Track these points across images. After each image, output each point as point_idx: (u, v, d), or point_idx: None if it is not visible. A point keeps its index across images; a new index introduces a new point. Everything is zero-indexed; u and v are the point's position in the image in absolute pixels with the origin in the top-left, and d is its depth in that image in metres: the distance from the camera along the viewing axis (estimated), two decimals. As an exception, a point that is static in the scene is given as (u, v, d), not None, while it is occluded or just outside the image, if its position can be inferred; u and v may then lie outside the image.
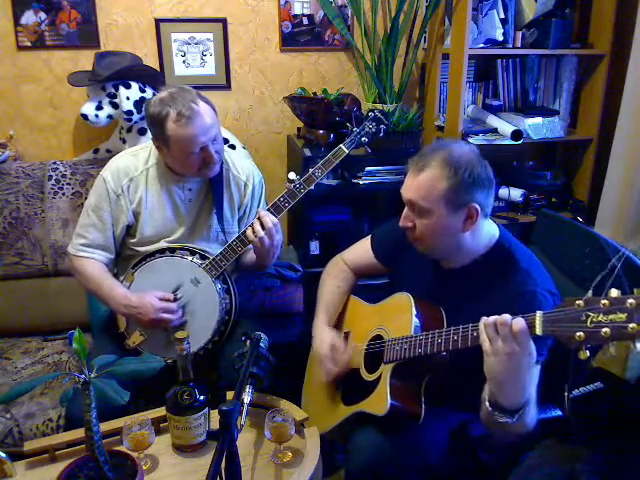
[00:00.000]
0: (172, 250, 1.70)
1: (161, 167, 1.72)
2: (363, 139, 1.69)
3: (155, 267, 1.69)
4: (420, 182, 1.30)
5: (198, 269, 1.67)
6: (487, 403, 1.18)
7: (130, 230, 1.75)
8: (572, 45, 2.46)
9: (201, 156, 1.61)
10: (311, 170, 1.64)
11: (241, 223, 1.84)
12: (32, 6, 2.23)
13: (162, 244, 1.73)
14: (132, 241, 1.75)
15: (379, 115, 1.70)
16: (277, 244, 1.64)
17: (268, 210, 1.64)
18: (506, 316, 1.09)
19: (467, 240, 1.35)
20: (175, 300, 1.67)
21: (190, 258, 1.69)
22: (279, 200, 1.65)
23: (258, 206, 1.85)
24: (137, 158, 1.74)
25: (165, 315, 1.62)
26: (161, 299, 1.64)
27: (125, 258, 1.78)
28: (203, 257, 1.70)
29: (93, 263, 1.71)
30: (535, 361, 1.23)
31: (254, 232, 1.59)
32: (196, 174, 1.67)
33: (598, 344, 0.94)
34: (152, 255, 1.70)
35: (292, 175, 1.65)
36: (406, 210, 1.37)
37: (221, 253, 1.67)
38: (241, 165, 1.83)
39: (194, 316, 1.69)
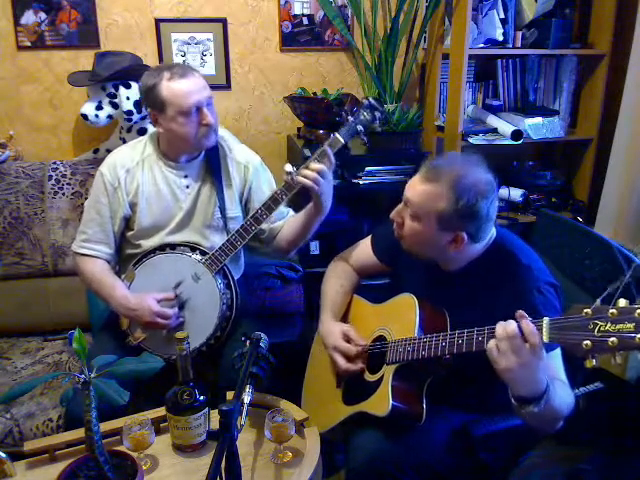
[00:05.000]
0: (172, 247, 1.70)
1: (158, 155, 1.73)
2: (358, 127, 1.65)
3: (155, 264, 1.69)
4: (424, 191, 1.30)
5: (198, 265, 1.68)
6: (512, 399, 1.17)
7: (128, 223, 1.76)
8: (572, 45, 2.46)
9: (197, 118, 1.61)
10: (307, 161, 1.63)
11: (248, 204, 1.82)
12: (32, 6, 2.23)
13: (162, 237, 1.73)
14: (130, 234, 1.75)
15: (374, 102, 1.67)
16: (330, 188, 1.63)
17: (267, 203, 1.65)
18: (514, 328, 1.09)
19: (450, 254, 1.35)
20: (176, 297, 1.67)
21: (190, 254, 1.69)
22: (276, 193, 1.65)
23: (265, 184, 1.83)
24: (133, 150, 1.76)
25: (160, 320, 1.63)
26: (161, 300, 1.64)
27: (127, 257, 1.78)
28: (203, 253, 1.70)
29: (95, 262, 1.72)
30: (552, 346, 1.24)
31: (308, 177, 1.57)
32: (195, 142, 1.66)
33: (604, 353, 0.93)
34: (153, 252, 1.70)
35: (288, 167, 1.63)
36: (401, 205, 1.37)
37: (220, 248, 1.68)
38: (238, 149, 1.83)
39: (195, 312, 1.69)
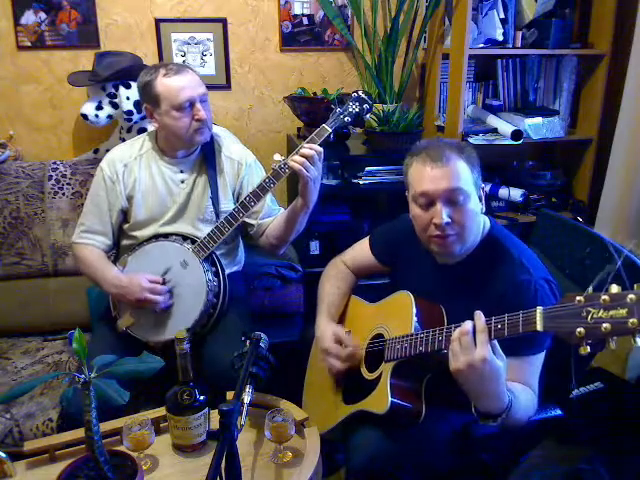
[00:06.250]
0: (165, 236, 1.76)
1: (155, 150, 1.80)
2: (346, 119, 1.71)
3: (146, 252, 1.75)
4: (454, 169, 1.28)
5: (187, 252, 1.72)
6: (473, 410, 1.20)
7: (125, 215, 1.82)
8: (572, 45, 2.46)
9: (191, 113, 1.67)
10: (296, 150, 1.66)
11: (239, 199, 1.84)
12: (32, 6, 2.23)
13: (156, 229, 1.78)
14: (126, 226, 1.81)
15: (362, 95, 1.72)
16: (319, 175, 1.66)
17: (255, 191, 1.69)
18: (467, 328, 1.12)
19: (479, 223, 1.37)
20: (164, 283, 1.70)
21: (180, 243, 1.73)
22: (264, 181, 1.69)
23: (257, 181, 1.83)
24: (132, 146, 1.83)
25: (150, 295, 1.66)
26: (150, 281, 1.67)
27: (124, 248, 1.84)
28: (194, 242, 1.74)
29: (91, 249, 1.78)
30: (540, 350, 1.28)
31: (297, 161, 1.61)
32: (187, 138, 1.71)
33: (598, 340, 0.94)
34: (146, 242, 1.76)
35: (277, 156, 1.68)
36: (442, 206, 1.28)
37: (208, 234, 1.72)
38: (234, 147, 1.88)
39: (182, 297, 1.72)
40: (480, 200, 1.34)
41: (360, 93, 1.73)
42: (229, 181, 1.83)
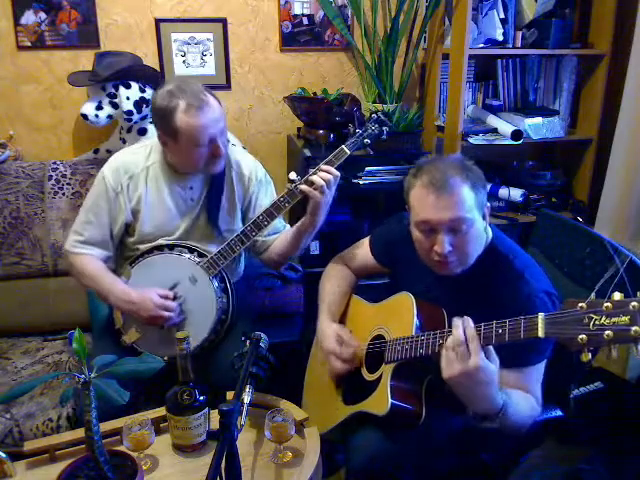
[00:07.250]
0: (170, 247, 1.69)
1: (163, 165, 1.71)
2: (365, 141, 1.67)
3: (152, 264, 1.68)
4: (458, 197, 1.25)
5: (196, 267, 1.67)
6: (470, 413, 1.20)
7: (129, 229, 1.74)
8: (572, 45, 2.46)
9: (210, 150, 1.60)
10: (312, 171, 1.63)
11: (246, 214, 1.82)
12: (32, 6, 2.22)
13: (160, 241, 1.72)
14: (131, 240, 1.74)
15: (382, 117, 1.69)
16: (329, 201, 1.63)
17: (269, 210, 1.65)
18: (460, 335, 1.13)
19: (481, 242, 1.35)
20: (175, 299, 1.66)
21: (188, 256, 1.68)
22: (279, 200, 1.64)
23: (267, 197, 1.83)
24: (138, 155, 1.73)
25: (164, 312, 1.61)
26: (161, 296, 1.63)
27: (124, 259, 1.77)
28: (201, 255, 1.69)
29: (91, 259, 1.69)
30: (540, 359, 1.28)
31: (314, 183, 1.58)
32: (201, 169, 1.66)
33: (600, 347, 0.93)
34: (150, 252, 1.69)
35: (293, 175, 1.64)
36: (444, 235, 1.27)
37: (219, 252, 1.67)
38: (244, 162, 1.82)
39: (191, 314, 1.68)
40: (484, 218, 1.33)
41: (380, 115, 1.70)
42: (238, 196, 1.78)
